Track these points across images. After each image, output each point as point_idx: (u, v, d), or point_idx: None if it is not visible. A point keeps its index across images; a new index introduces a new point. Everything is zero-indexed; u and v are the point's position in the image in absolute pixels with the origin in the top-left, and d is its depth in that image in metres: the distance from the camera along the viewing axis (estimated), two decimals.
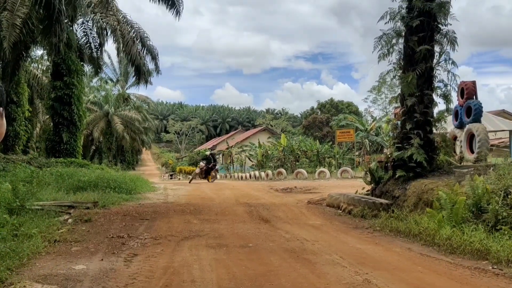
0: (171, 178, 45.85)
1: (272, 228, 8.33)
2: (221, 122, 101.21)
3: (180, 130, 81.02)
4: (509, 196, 7.25)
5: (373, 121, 41.77)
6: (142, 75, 22.25)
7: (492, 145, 25.65)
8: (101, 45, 21.98)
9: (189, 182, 23.94)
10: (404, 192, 10.25)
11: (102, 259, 5.89)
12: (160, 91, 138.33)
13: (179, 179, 42.56)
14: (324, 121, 52.29)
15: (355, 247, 6.83)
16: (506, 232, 6.46)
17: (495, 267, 5.61)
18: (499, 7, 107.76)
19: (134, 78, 31.11)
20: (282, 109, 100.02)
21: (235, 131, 71.59)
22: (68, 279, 4.98)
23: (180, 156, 67.77)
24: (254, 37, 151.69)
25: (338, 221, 9.63)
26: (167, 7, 18.05)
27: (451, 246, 6.52)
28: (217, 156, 42.99)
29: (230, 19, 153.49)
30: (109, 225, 8.28)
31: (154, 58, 23.30)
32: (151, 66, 22.55)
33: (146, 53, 22.89)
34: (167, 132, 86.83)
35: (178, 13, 18.26)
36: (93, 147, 51.27)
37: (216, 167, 27.01)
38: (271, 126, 65.76)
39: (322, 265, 5.64)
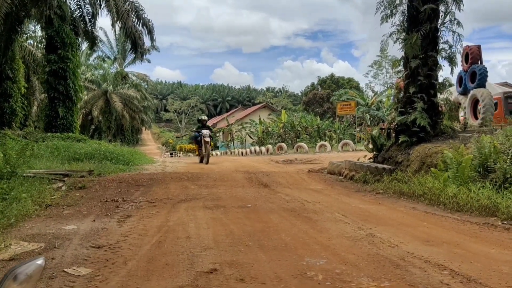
0: (171, 156, 45.69)
1: (272, 192, 8.09)
2: (221, 101, 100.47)
3: (180, 109, 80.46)
4: None
5: (374, 96, 41.28)
6: (138, 49, 21.72)
7: None
8: (94, 15, 21.37)
9: (205, 162, 15.43)
10: (407, 157, 9.97)
11: (94, 220, 5.65)
12: (159, 71, 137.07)
13: (179, 156, 42.37)
14: (325, 97, 51.69)
15: (358, 207, 6.59)
16: None
17: (505, 222, 5.37)
18: None
19: (131, 53, 30.58)
20: (283, 87, 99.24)
21: (235, 109, 71.02)
22: (56, 238, 4.74)
23: (180, 135, 67.46)
24: (253, 15, 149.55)
25: (340, 186, 9.39)
26: None
27: (458, 204, 6.28)
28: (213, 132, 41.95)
29: None
30: (104, 191, 8.03)
31: (150, 32, 22.68)
32: (147, 40, 21.98)
33: (141, 26, 22.32)
34: (166, 111, 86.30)
35: None
36: (93, 127, 50.90)
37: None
38: (272, 104, 65.19)
39: (324, 222, 5.40)
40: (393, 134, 11.29)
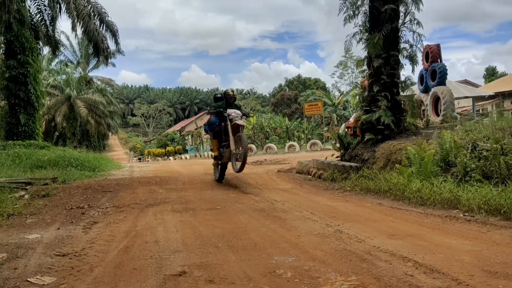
0: (139, 161, 44.97)
1: (241, 193, 8.10)
2: (189, 104, 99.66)
3: (147, 113, 79.31)
4: (476, 149, 7.26)
5: (340, 96, 41.99)
6: (101, 52, 21.21)
7: (456, 113, 26.29)
8: (54, 19, 20.77)
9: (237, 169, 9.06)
10: (373, 155, 10.18)
11: (58, 228, 5.49)
12: (125, 75, 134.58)
13: (148, 161, 41.77)
14: (293, 98, 52.20)
15: (326, 204, 6.68)
16: (475, 183, 6.44)
17: (466, 214, 5.57)
18: None
19: (94, 57, 29.84)
20: (251, 89, 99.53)
21: (203, 112, 70.65)
22: (19, 247, 4.58)
23: (148, 140, 66.53)
24: (219, 18, 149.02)
25: (308, 184, 9.49)
26: None
27: (421, 198, 6.47)
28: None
29: (193, 0, 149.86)
30: (69, 198, 7.82)
31: (114, 35, 22.20)
32: (111, 43, 21.51)
33: (105, 29, 21.85)
34: (133, 115, 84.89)
35: None
36: (57, 133, 49.43)
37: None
38: (241, 105, 65.25)
39: (293, 221, 5.44)
40: (359, 133, 11.51)
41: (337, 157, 12.44)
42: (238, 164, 8.69)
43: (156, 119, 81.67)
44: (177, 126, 67.10)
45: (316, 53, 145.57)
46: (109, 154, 58.72)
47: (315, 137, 33.98)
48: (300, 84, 58.28)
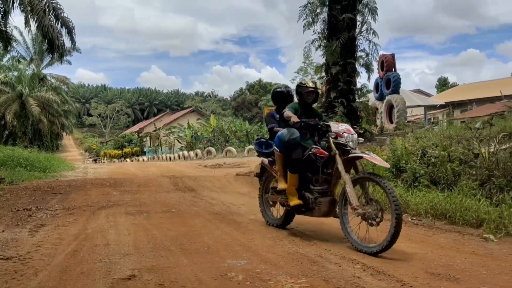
0: (95, 163, 43.69)
1: (197, 196, 8.04)
2: (148, 105, 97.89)
3: (104, 113, 77.16)
4: (426, 156, 7.57)
5: None
6: (56, 49, 20.45)
7: (409, 121, 27.32)
8: (6, 13, 19.85)
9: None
10: None
11: (3, 231, 5.24)
12: (82, 74, 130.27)
13: (104, 162, 40.66)
14: (253, 102, 52.47)
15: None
16: (423, 188, 6.70)
17: (414, 218, 5.79)
18: None
19: (49, 54, 28.77)
20: (212, 91, 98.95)
21: (163, 113, 69.61)
22: None
23: (105, 140, 64.73)
24: (180, 19, 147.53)
25: None
26: None
27: None
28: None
29: None
30: (16, 200, 7.48)
31: (70, 32, 21.41)
32: (67, 41, 20.79)
33: (60, 25, 21.11)
34: (90, 115, 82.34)
35: None
36: (6, 132, 47.14)
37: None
38: (201, 108, 64.79)
39: (247, 224, 5.46)
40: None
41: None
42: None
43: (113, 119, 79.59)
44: (135, 127, 65.73)
45: (277, 58, 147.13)
46: (63, 154, 56.66)
47: None
48: (261, 89, 58.65)
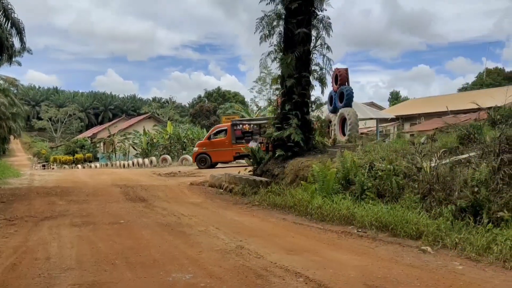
0: (43, 168, 41.92)
1: (148, 206, 7.92)
2: (103, 110, 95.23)
3: (55, 117, 74.24)
4: (373, 169, 7.84)
5: (258, 110, 42.88)
6: (4, 50, 19.62)
7: (362, 133, 28.19)
8: None
9: None
10: (282, 170, 10.53)
11: None
12: (33, 75, 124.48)
13: (53, 168, 39.11)
14: (212, 110, 52.27)
15: (233, 219, 6.78)
16: (370, 201, 6.94)
17: (360, 230, 5.98)
18: (369, 10, 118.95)
19: None
20: (169, 98, 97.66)
21: (118, 119, 67.89)
22: None
23: (55, 145, 62.24)
24: (139, 23, 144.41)
25: (219, 198, 9.55)
26: None
27: (322, 214, 6.82)
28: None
29: (112, 1, 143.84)
30: None
31: (20, 33, 20.68)
32: (16, 42, 19.97)
33: (10, 26, 20.26)
34: (40, 119, 78.97)
35: None
36: None
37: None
38: (158, 114, 63.82)
39: (197, 236, 5.45)
40: (271, 149, 11.85)
41: (250, 171, 12.67)
42: None
43: (65, 124, 76.73)
44: (89, 133, 63.70)
45: (237, 66, 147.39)
46: (9, 159, 53.96)
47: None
48: (219, 97, 58.55)
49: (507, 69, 52.96)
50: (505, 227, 5.09)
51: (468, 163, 6.78)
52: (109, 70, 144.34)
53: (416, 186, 6.79)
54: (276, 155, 11.14)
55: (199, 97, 64.45)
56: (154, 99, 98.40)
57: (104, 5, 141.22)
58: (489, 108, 22.87)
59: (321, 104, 12.75)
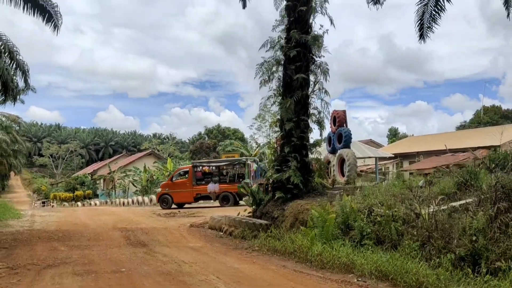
0: (43, 206, 41.72)
1: (149, 252, 7.94)
2: (104, 146, 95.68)
3: (57, 154, 74.45)
4: (372, 214, 7.91)
5: (257, 147, 43.15)
6: (9, 92, 20.07)
7: (361, 171, 28.29)
8: None
9: None
10: (282, 213, 10.60)
11: None
12: (35, 111, 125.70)
13: (53, 206, 38.93)
14: (211, 147, 52.60)
15: (233, 267, 6.80)
16: (369, 247, 6.99)
17: (360, 279, 6.01)
18: (365, 49, 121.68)
19: (1, 95, 28.06)
20: (170, 134, 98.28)
21: (118, 155, 68.17)
22: None
23: (55, 182, 62.13)
24: (140, 61, 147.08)
25: (219, 242, 9.56)
26: (43, 20, 16.61)
27: (322, 261, 6.85)
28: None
29: (115, 41, 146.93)
30: None
31: (25, 73, 21.17)
32: (21, 82, 20.47)
33: (15, 67, 20.80)
34: (41, 155, 79.17)
35: (56, 27, 16.90)
36: None
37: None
38: (158, 151, 64.08)
39: (197, 286, 5.48)
40: (271, 190, 11.95)
41: (249, 212, 12.72)
42: None
43: (66, 160, 76.86)
44: (89, 169, 63.77)
45: (236, 102, 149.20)
46: (9, 196, 53.78)
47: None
48: (219, 134, 59.08)
49: (504, 107, 53.82)
50: (503, 277, 5.14)
51: (466, 211, 6.87)
52: (111, 106, 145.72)
53: (415, 233, 6.86)
54: (276, 197, 11.24)
55: (199, 134, 65.00)
56: (154, 135, 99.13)
57: (107, 44, 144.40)
58: (488, 147, 23.06)
59: (319, 145, 12.94)
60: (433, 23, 16.03)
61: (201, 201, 22.40)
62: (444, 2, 15.80)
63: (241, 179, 20.75)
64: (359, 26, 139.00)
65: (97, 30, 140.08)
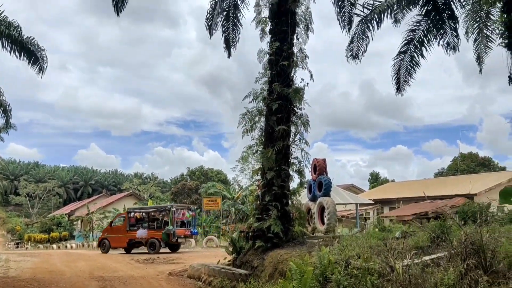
0: (17, 247, 40.41)
1: None
2: (83, 185, 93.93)
3: (34, 193, 72.68)
4: (349, 266, 8.05)
5: (240, 190, 43.15)
6: None
7: (342, 216, 28.50)
8: None
9: None
10: (262, 262, 10.64)
11: None
12: (14, 148, 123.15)
13: (27, 248, 37.73)
14: (193, 188, 52.28)
15: None
16: None
17: None
18: (347, 93, 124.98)
19: None
20: (152, 173, 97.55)
21: (98, 195, 66.95)
22: None
23: (31, 222, 60.35)
24: (125, 99, 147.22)
25: None
26: (29, 63, 16.98)
27: None
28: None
29: (100, 79, 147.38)
30: None
31: (6, 113, 21.34)
32: (2, 120, 20.56)
33: None
34: (17, 194, 77.19)
35: (41, 69, 17.26)
36: None
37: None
38: (139, 191, 63.27)
39: None
40: (251, 239, 12.01)
41: (229, 261, 12.69)
42: None
43: (43, 200, 75.04)
44: (66, 209, 62.27)
45: (220, 143, 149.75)
46: None
47: (213, 229, 33.97)
48: (202, 175, 58.90)
49: (481, 153, 55.53)
50: None
51: (437, 266, 7.08)
52: (92, 144, 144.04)
53: (390, 287, 7.01)
54: (256, 245, 11.30)
55: (182, 175, 64.71)
56: (136, 175, 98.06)
57: (92, 82, 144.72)
58: (465, 195, 23.54)
59: (298, 192, 13.17)
60: (409, 77, 16.92)
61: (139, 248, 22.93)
62: (419, 58, 16.78)
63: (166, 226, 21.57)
64: (342, 71, 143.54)
65: (83, 68, 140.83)
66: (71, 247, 33.74)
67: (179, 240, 21.91)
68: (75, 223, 49.15)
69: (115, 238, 22.95)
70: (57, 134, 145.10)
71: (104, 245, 23.36)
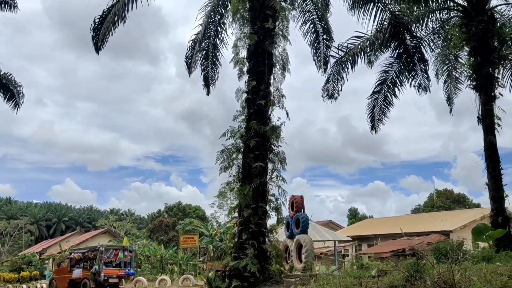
0: None
1: None
2: (56, 222, 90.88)
3: (5, 230, 69.93)
4: None
5: (217, 227, 42.58)
6: None
7: (321, 253, 28.31)
8: None
9: None
10: None
11: None
12: None
13: None
14: (171, 225, 51.30)
15: None
16: None
17: None
18: (325, 129, 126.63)
19: None
20: (128, 209, 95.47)
21: (71, 233, 64.75)
22: None
23: (1, 261, 57.82)
24: (103, 134, 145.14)
25: None
26: (4, 99, 16.85)
27: None
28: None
29: (77, 114, 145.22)
30: None
31: None
32: None
33: None
34: None
35: (17, 105, 17.12)
36: None
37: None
38: (114, 228, 61.68)
39: None
40: (228, 278, 11.83)
41: None
42: None
43: (14, 237, 72.18)
44: (38, 247, 59.97)
45: (199, 178, 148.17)
46: None
47: (190, 267, 33.14)
48: (179, 211, 57.94)
49: (456, 190, 56.55)
50: None
51: None
52: (67, 180, 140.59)
53: None
54: (232, 285, 11.11)
55: (159, 211, 63.60)
56: (112, 211, 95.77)
57: (69, 117, 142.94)
58: (440, 232, 23.82)
59: (275, 230, 13.13)
60: (383, 116, 17.44)
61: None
62: (392, 97, 17.39)
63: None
64: (320, 107, 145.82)
65: (59, 102, 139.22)
66: (42, 287, 32.30)
67: (111, 280, 21.78)
68: (46, 261, 47.30)
69: (60, 279, 23.37)
70: (31, 169, 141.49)
71: (52, 286, 24.00)
